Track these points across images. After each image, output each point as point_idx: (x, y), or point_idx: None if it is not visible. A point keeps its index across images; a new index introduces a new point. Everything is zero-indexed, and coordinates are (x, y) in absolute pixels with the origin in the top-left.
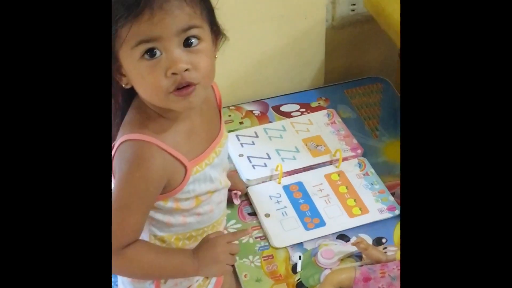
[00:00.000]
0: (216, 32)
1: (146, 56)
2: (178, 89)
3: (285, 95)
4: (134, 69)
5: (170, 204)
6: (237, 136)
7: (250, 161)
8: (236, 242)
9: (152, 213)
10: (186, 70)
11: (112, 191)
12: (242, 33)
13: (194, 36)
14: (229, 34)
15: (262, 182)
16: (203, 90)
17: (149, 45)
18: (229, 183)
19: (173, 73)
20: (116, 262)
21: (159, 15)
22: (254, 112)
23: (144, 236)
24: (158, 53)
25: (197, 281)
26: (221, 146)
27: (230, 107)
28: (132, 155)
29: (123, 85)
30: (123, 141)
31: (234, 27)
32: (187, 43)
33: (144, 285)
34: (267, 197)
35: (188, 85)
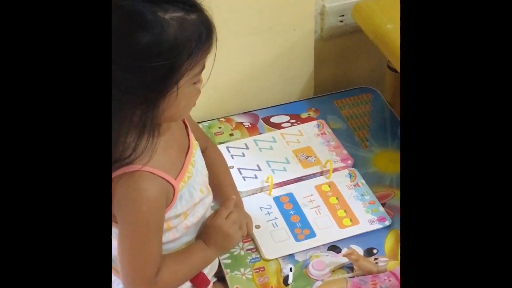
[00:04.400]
0: None
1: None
2: None
3: (275, 106)
4: (186, 93)
5: None
6: (227, 148)
7: (240, 173)
8: (231, 210)
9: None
10: None
11: (124, 233)
12: (232, 45)
13: None
14: (219, 46)
15: (253, 193)
16: None
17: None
18: (210, 192)
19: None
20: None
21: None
22: (244, 123)
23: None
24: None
25: None
26: (194, 156)
27: (220, 119)
28: (130, 190)
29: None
30: (119, 175)
31: (223, 40)
32: None
33: None
34: (258, 208)
35: None
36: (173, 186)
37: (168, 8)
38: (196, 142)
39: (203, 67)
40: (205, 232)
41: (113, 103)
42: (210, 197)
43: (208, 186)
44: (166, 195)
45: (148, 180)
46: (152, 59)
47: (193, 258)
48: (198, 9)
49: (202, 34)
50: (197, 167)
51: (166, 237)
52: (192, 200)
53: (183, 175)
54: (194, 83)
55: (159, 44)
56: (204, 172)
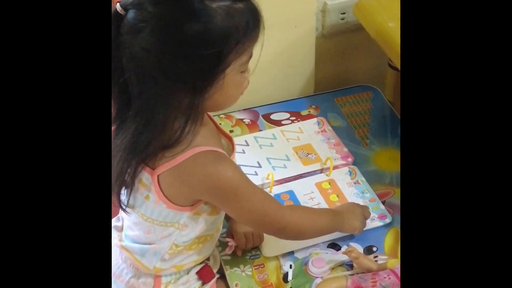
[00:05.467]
0: None
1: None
2: None
3: (275, 103)
4: (233, 81)
5: (208, 207)
6: None
7: None
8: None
9: (188, 221)
10: None
11: (230, 204)
12: None
13: None
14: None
15: None
16: None
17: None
18: None
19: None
20: (292, 216)
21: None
22: (244, 120)
23: (167, 244)
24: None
25: None
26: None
27: (221, 116)
28: (209, 168)
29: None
30: (184, 160)
31: None
32: None
33: None
34: None
35: None
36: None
37: None
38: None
39: (251, 56)
40: (343, 205)
41: (161, 91)
42: None
43: None
44: None
45: (215, 155)
46: (200, 48)
47: (323, 215)
48: None
49: (249, 23)
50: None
51: (203, 221)
52: None
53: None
54: (242, 72)
55: (207, 33)
56: None
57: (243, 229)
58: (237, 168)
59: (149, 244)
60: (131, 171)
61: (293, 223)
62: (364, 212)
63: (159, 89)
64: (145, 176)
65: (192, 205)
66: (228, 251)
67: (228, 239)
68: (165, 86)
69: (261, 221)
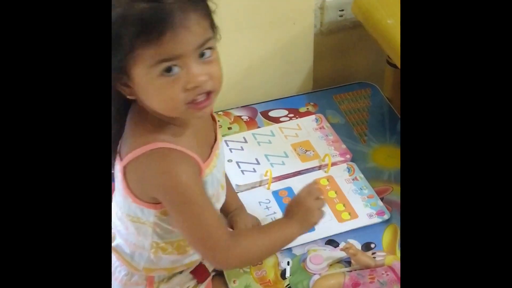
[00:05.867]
0: (215, 33)
1: (165, 73)
2: (195, 102)
3: (273, 100)
4: (150, 85)
5: None
6: (225, 141)
7: (239, 167)
8: (316, 187)
9: (158, 221)
10: (205, 81)
11: (175, 210)
12: (231, 39)
13: (208, 48)
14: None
15: (252, 187)
16: (216, 97)
17: (169, 63)
18: (225, 189)
19: (194, 87)
20: (235, 254)
21: (181, 34)
22: (242, 117)
23: (146, 243)
24: (176, 69)
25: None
26: (218, 149)
27: (219, 113)
28: (164, 165)
29: (127, 96)
30: (144, 153)
31: (222, 33)
32: (201, 55)
33: None
34: (257, 203)
35: (206, 96)
36: (200, 168)
37: None
38: (221, 136)
39: (162, 60)
40: (288, 208)
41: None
42: (224, 195)
43: (225, 184)
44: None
45: (177, 156)
46: (114, 29)
47: (274, 231)
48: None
49: (149, 23)
50: (220, 159)
51: None
52: (213, 190)
53: (209, 163)
54: (162, 75)
55: (117, 20)
56: (223, 168)
57: (243, 223)
58: (196, 177)
59: (130, 244)
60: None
61: (239, 257)
62: (313, 205)
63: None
64: (117, 166)
65: (156, 204)
66: None
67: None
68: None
69: (200, 242)
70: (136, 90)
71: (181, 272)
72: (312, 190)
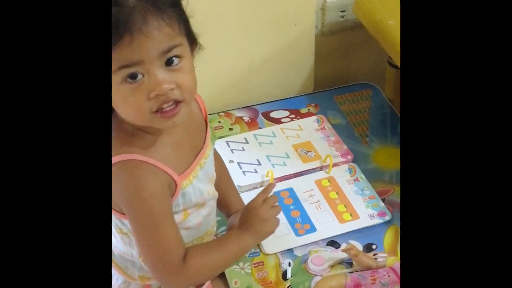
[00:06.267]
0: (192, 41)
1: (128, 79)
2: (163, 110)
3: (274, 101)
4: (115, 92)
5: None
6: (227, 142)
7: (240, 167)
8: (271, 194)
9: None
10: (171, 89)
11: (134, 223)
12: (232, 39)
13: (175, 56)
14: (219, 40)
15: (253, 188)
16: (187, 107)
17: (130, 70)
18: (216, 194)
19: (157, 95)
20: (185, 276)
21: (138, 39)
22: (244, 118)
23: (134, 252)
24: (140, 76)
25: None
26: (206, 158)
27: (220, 114)
28: (129, 178)
29: None
30: (114, 163)
31: (224, 34)
32: (168, 63)
33: None
34: None
35: (174, 105)
36: (175, 181)
37: None
38: (212, 145)
39: (124, 66)
40: (241, 218)
41: None
42: (214, 201)
43: (215, 191)
44: (169, 188)
45: (145, 169)
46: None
47: (227, 245)
48: (118, 3)
49: (116, 27)
50: (205, 169)
51: None
52: (195, 199)
53: (189, 174)
54: (126, 81)
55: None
56: (213, 175)
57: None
58: (162, 194)
59: (122, 252)
60: None
61: (186, 279)
62: (268, 215)
63: None
64: None
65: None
66: None
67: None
68: None
69: (152, 262)
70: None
71: None
72: (267, 198)
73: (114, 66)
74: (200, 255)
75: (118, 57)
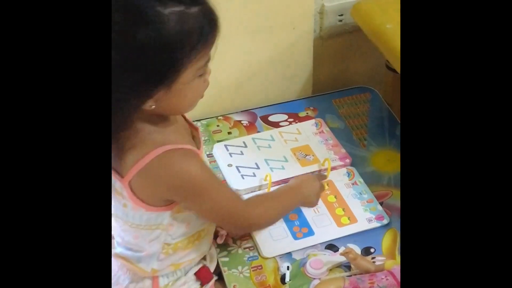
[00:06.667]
0: None
1: (199, 75)
2: None
3: (273, 105)
4: (190, 85)
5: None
6: (225, 146)
7: (239, 171)
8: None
9: (172, 221)
10: None
11: (198, 201)
12: (230, 43)
13: None
14: (218, 45)
15: (252, 192)
16: None
17: (206, 65)
18: None
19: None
20: (252, 220)
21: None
22: (242, 122)
23: (157, 247)
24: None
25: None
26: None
27: (219, 117)
28: (173, 166)
29: (148, 107)
30: (148, 162)
31: (222, 38)
32: None
33: None
34: None
35: None
36: (198, 154)
37: (167, 3)
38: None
39: (209, 59)
40: (300, 182)
41: (115, 98)
42: None
43: None
44: None
45: (180, 153)
46: (153, 54)
47: (283, 197)
48: (200, 2)
49: (204, 27)
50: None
51: (190, 221)
52: None
53: (202, 152)
54: (200, 75)
55: (160, 39)
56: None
57: None
58: (203, 165)
59: (140, 251)
60: None
61: (258, 218)
62: (322, 185)
63: (114, 95)
64: (118, 184)
65: (170, 204)
66: (219, 240)
67: (218, 228)
68: (119, 92)
69: (227, 220)
70: (168, 97)
71: (185, 274)
72: (323, 178)
73: (202, 62)
74: (258, 201)
75: (207, 53)
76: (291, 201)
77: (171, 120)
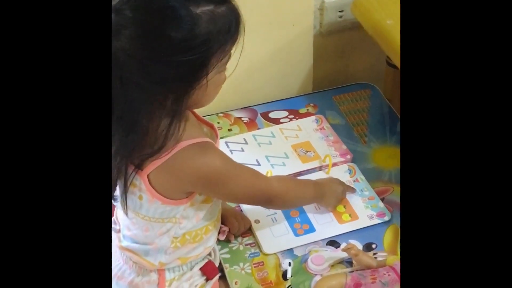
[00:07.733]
0: None
1: (221, 70)
2: None
3: (273, 101)
4: (213, 81)
5: (202, 197)
6: (226, 143)
7: None
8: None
9: (185, 213)
10: None
11: (225, 189)
12: None
13: None
14: None
15: None
16: None
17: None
18: None
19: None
20: (280, 196)
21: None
22: (242, 119)
23: (167, 240)
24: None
25: (196, 285)
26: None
27: (219, 114)
28: (197, 159)
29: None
30: (170, 157)
31: None
32: None
33: None
34: None
35: None
36: (216, 146)
37: (199, 2)
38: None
39: (230, 56)
40: (325, 180)
41: (144, 95)
42: None
43: None
44: None
45: (199, 146)
46: (185, 53)
47: (303, 185)
48: (226, 1)
49: (232, 26)
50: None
51: (200, 211)
52: None
53: (217, 143)
54: (220, 71)
55: (192, 39)
56: None
57: (233, 214)
58: (222, 154)
59: (149, 243)
60: (121, 174)
61: (280, 194)
62: (344, 192)
63: (143, 93)
64: (135, 177)
65: (187, 197)
66: (221, 237)
67: (221, 225)
68: (148, 90)
69: (251, 197)
70: (192, 92)
71: (191, 269)
72: (348, 187)
73: (227, 57)
74: (281, 179)
75: (231, 48)
76: (309, 192)
77: (187, 115)
